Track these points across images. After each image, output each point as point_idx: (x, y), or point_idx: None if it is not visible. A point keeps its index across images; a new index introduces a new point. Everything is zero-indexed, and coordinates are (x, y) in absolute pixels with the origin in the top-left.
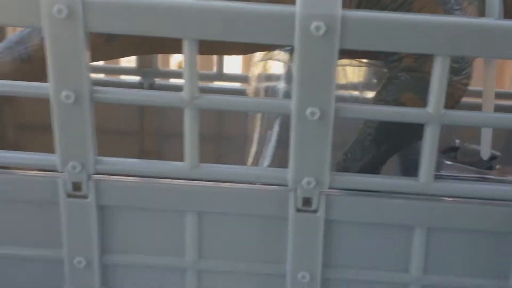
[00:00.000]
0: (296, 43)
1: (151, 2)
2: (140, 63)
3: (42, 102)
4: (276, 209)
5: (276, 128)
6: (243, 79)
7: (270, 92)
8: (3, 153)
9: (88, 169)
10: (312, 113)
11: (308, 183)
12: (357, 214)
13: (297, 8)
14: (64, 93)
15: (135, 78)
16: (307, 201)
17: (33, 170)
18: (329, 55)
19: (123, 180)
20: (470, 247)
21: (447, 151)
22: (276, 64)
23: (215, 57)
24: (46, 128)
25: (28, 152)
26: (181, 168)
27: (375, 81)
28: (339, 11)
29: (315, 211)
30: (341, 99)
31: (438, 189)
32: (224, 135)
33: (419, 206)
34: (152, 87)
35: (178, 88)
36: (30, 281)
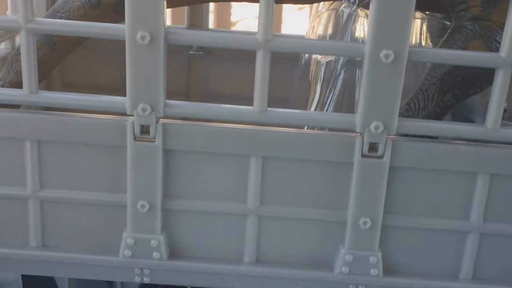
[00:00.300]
0: None
1: None
2: (190, 22)
3: (87, 63)
4: (341, 155)
5: (338, 85)
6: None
7: (338, 35)
8: (71, 95)
9: (157, 111)
10: (386, 56)
11: (376, 127)
12: (422, 160)
13: None
14: (140, 34)
15: None
16: (373, 147)
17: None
18: None
19: (190, 124)
20: None
21: None
22: (340, 16)
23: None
24: (89, 88)
25: (97, 95)
26: (249, 112)
27: (430, 38)
28: None
29: (380, 156)
30: None
31: (505, 135)
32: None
33: (483, 152)
34: (201, 47)
35: (227, 51)
36: (92, 226)
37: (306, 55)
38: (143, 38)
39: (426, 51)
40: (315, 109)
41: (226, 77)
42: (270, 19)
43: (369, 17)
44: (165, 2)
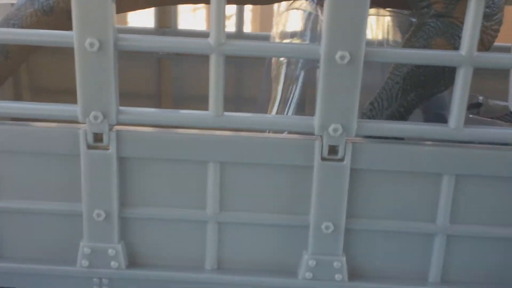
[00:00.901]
0: None
1: None
2: (159, 23)
3: (56, 67)
4: (300, 158)
5: (298, 85)
6: (262, 38)
7: (297, 34)
8: (24, 105)
9: (110, 119)
10: (342, 57)
11: (335, 130)
12: (384, 162)
13: None
14: (88, 41)
15: (151, 28)
16: (333, 150)
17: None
18: None
19: (144, 130)
20: (498, 194)
21: (470, 107)
22: (301, 14)
23: (234, 18)
24: (60, 92)
25: (49, 103)
26: (205, 116)
27: (399, 35)
28: None
29: (341, 159)
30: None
31: (468, 134)
32: (242, 95)
33: (448, 152)
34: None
35: None
36: (48, 235)
37: (272, 37)
38: (91, 45)
39: (383, 51)
40: (277, 109)
41: (197, 77)
42: (222, 23)
43: (323, 18)
44: (114, 7)
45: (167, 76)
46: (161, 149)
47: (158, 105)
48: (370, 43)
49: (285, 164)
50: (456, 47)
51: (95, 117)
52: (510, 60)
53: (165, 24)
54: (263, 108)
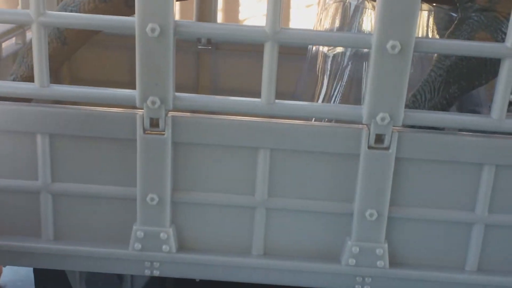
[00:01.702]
0: None
1: None
2: (199, 18)
3: (96, 58)
4: (348, 146)
5: (344, 79)
6: None
7: (346, 23)
8: (82, 89)
9: (167, 104)
10: (393, 47)
11: (383, 119)
12: (427, 151)
13: None
14: (150, 26)
15: None
16: (379, 138)
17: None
18: None
19: (198, 116)
20: None
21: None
22: (348, 8)
23: None
24: (98, 83)
25: (107, 88)
26: (257, 104)
27: (436, 30)
28: None
29: (387, 148)
30: None
31: (511, 126)
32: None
33: (489, 143)
34: (209, 42)
35: (234, 45)
36: (103, 219)
37: (313, 48)
38: (153, 30)
39: (432, 42)
40: (322, 102)
41: (235, 71)
42: (278, 11)
43: (375, 8)
44: None
45: (206, 69)
46: (213, 135)
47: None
48: None
49: (332, 152)
50: (498, 41)
51: (153, 102)
52: None
53: (205, 19)
54: (301, 101)
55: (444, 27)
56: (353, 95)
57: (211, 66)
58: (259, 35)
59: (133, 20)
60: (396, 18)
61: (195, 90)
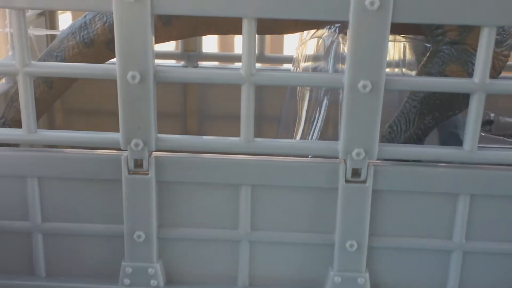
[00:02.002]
0: (351, 18)
1: None
2: (184, 47)
3: (87, 87)
4: (326, 181)
5: (323, 106)
6: (285, 60)
7: (319, 69)
8: (68, 133)
9: (149, 146)
10: (364, 86)
11: (358, 154)
12: (403, 183)
13: None
14: (130, 74)
15: (180, 63)
16: (356, 172)
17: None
18: (382, 28)
19: (181, 156)
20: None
21: (482, 124)
22: (323, 43)
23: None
24: (90, 113)
25: (92, 132)
26: (237, 143)
27: (414, 57)
28: None
29: (363, 181)
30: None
31: (482, 157)
32: (263, 114)
33: (463, 173)
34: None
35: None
36: (92, 255)
37: (295, 59)
38: (133, 77)
39: (403, 80)
40: (303, 128)
41: (222, 97)
42: (253, 55)
43: (346, 49)
44: (153, 43)
45: (193, 96)
46: (196, 173)
47: (184, 124)
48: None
49: (312, 186)
50: (469, 73)
51: (136, 145)
52: None
53: (191, 48)
54: (286, 126)
55: (422, 53)
56: (331, 124)
57: (199, 92)
58: (236, 78)
59: (114, 68)
60: (365, 58)
61: (184, 116)
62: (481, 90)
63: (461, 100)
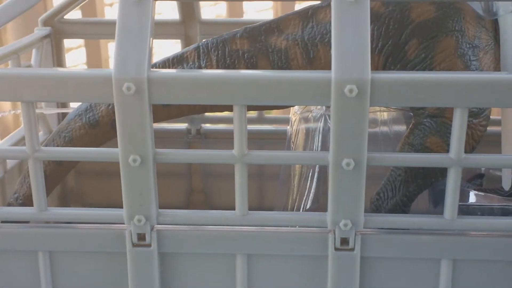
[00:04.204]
0: (332, 104)
1: (205, 75)
2: None
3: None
4: (317, 249)
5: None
6: (283, 121)
7: (311, 135)
8: (77, 211)
9: (151, 221)
10: (347, 164)
11: (345, 225)
12: (389, 250)
13: (332, 73)
14: (131, 157)
15: (183, 125)
16: (344, 241)
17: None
18: (361, 113)
19: (181, 228)
20: (494, 276)
21: (473, 178)
22: (312, 117)
23: None
24: (101, 173)
25: (98, 208)
26: (232, 216)
27: (401, 118)
28: (368, 74)
29: (351, 249)
30: (374, 136)
31: (461, 225)
32: (265, 172)
33: (445, 240)
34: (198, 132)
35: (221, 133)
36: None
37: (289, 133)
38: (134, 161)
39: (383, 157)
40: (298, 186)
41: None
42: (244, 137)
43: (330, 130)
44: (152, 129)
45: None
46: (195, 244)
47: (189, 182)
48: (374, 134)
49: (304, 254)
50: (448, 144)
51: (139, 220)
52: (498, 161)
53: None
54: (284, 182)
55: (405, 122)
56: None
57: None
58: (229, 159)
59: (117, 152)
60: (347, 139)
61: (188, 177)
62: (457, 164)
63: (442, 169)
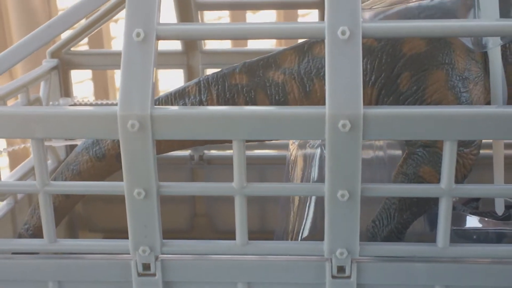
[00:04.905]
0: (327, 138)
1: (204, 112)
2: None
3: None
4: (315, 277)
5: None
6: (284, 146)
7: (308, 161)
8: (84, 242)
9: (155, 251)
10: (342, 195)
11: (341, 253)
12: (384, 277)
13: (327, 109)
14: (136, 191)
15: (186, 152)
16: (341, 268)
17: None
18: (354, 147)
19: (184, 258)
20: None
21: (469, 201)
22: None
23: None
24: (109, 199)
25: (104, 240)
26: (233, 246)
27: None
28: (361, 109)
29: (348, 277)
30: (369, 160)
31: (453, 252)
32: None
33: (438, 267)
34: (201, 158)
35: (223, 159)
36: None
37: (288, 160)
38: (139, 194)
39: (377, 188)
40: (297, 210)
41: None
42: (243, 170)
43: (325, 163)
44: (155, 163)
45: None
46: (198, 273)
47: (192, 207)
48: (370, 160)
49: (302, 282)
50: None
51: (144, 251)
52: (487, 191)
53: None
54: (284, 208)
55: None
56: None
57: (205, 180)
58: (229, 191)
59: (122, 185)
60: (342, 171)
61: (192, 203)
62: (447, 194)
63: (436, 198)
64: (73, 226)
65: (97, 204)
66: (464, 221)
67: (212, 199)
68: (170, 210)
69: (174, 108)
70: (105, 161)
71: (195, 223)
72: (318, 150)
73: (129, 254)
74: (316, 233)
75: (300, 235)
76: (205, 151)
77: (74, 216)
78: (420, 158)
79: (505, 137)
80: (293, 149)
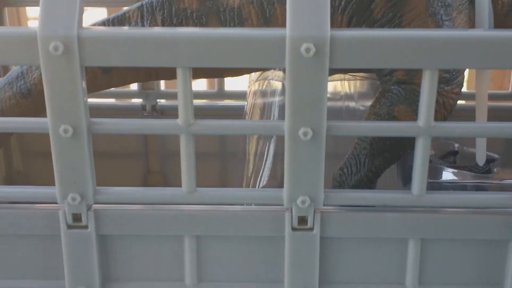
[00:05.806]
0: (287, 66)
1: (143, 33)
2: (142, 85)
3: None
4: (272, 229)
5: (273, 141)
6: (244, 96)
7: (267, 107)
8: (4, 188)
9: (87, 200)
10: (305, 133)
11: (303, 202)
12: (351, 229)
13: (287, 31)
14: (62, 127)
15: (138, 101)
16: (302, 220)
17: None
18: (320, 75)
19: (122, 208)
20: (464, 256)
21: (446, 155)
22: (271, 82)
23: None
24: (47, 155)
25: (27, 186)
26: (178, 193)
27: (369, 91)
28: (327, 32)
29: (310, 229)
30: (338, 111)
31: (430, 201)
32: (227, 150)
33: (412, 218)
34: (154, 108)
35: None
36: None
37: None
38: (65, 131)
39: (345, 126)
40: (253, 164)
41: None
42: (190, 104)
43: (285, 97)
44: (85, 95)
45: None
46: (138, 226)
47: (146, 163)
48: (338, 109)
49: (258, 235)
50: (418, 113)
51: (73, 199)
52: (470, 130)
53: (149, 86)
54: (241, 161)
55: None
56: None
57: None
58: (174, 128)
59: (46, 121)
60: (305, 105)
61: (145, 155)
62: (426, 133)
63: (410, 140)
64: (11, 184)
65: (37, 160)
66: (440, 174)
67: (167, 155)
68: (121, 166)
69: (106, 28)
70: (31, 98)
71: (148, 181)
72: (281, 85)
73: (56, 203)
74: (276, 185)
75: (257, 186)
76: (158, 100)
77: (13, 174)
78: (395, 96)
79: (493, 66)
80: (250, 92)
